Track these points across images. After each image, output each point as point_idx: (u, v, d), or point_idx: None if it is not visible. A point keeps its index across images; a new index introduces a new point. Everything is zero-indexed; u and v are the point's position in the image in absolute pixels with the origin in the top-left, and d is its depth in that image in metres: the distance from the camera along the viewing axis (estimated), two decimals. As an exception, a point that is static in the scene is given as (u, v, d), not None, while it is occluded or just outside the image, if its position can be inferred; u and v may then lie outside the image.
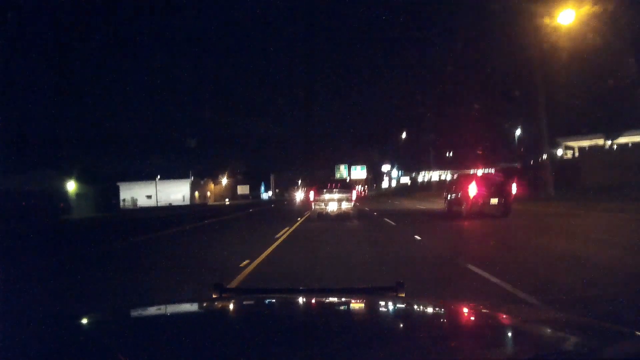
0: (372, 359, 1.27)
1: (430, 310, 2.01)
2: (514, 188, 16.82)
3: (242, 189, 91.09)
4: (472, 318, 1.85)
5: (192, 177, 72.84)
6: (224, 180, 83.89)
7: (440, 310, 2.00)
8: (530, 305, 4.51)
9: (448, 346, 1.39)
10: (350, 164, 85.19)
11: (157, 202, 59.92)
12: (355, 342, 1.40)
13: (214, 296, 2.02)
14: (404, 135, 63.03)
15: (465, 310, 2.01)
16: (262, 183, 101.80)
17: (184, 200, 70.20)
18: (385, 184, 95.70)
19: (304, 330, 1.60)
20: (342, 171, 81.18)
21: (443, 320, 1.85)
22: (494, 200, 16.59)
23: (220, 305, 2.00)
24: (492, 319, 1.80)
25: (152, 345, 1.40)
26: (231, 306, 2.03)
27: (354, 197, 18.66)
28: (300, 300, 2.18)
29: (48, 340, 1.48)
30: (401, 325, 1.77)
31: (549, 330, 1.60)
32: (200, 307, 2.12)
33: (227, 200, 66.28)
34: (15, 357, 1.30)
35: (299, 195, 66.47)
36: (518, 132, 49.24)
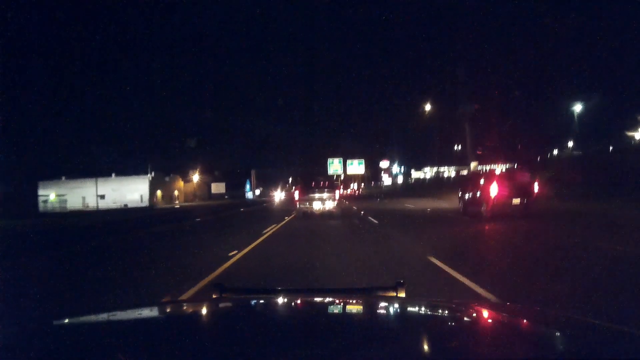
0: (373, 359, 1.27)
1: (430, 310, 2.00)
2: (536, 187, 15.99)
3: (217, 187, 77.61)
4: (473, 318, 1.85)
5: (152, 173, 59.34)
6: (195, 177, 70.42)
7: (441, 310, 2.01)
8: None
9: (448, 346, 1.38)
10: (345, 158, 71.63)
11: (97, 204, 46.78)
12: (356, 342, 1.40)
13: (214, 296, 2.06)
14: (427, 107, 48.85)
15: (466, 310, 1.98)
16: (247, 181, 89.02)
17: (142, 200, 57.18)
18: (388, 181, 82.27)
19: (304, 330, 1.61)
20: (337, 166, 67.39)
21: (443, 320, 1.85)
22: (516, 200, 15.42)
23: (221, 306, 2.03)
24: (492, 319, 1.81)
25: (152, 346, 1.40)
26: (232, 306, 2.05)
27: (337, 196, 20.23)
28: (301, 300, 2.16)
29: (48, 340, 1.48)
30: (401, 325, 1.76)
31: (549, 330, 1.60)
32: (201, 307, 2.16)
33: (176, 202, 53.14)
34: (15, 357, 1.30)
35: (278, 196, 54.73)
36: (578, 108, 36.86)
